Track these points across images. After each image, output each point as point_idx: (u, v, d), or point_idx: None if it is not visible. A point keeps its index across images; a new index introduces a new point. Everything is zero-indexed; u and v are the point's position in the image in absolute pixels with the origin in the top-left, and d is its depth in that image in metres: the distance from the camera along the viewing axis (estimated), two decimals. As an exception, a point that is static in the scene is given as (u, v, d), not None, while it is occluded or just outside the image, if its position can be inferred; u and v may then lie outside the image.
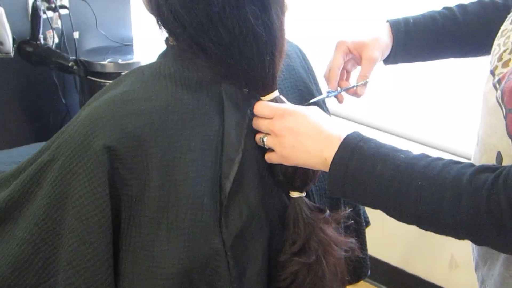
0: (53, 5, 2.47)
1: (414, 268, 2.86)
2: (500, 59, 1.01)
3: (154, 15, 0.97)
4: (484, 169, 0.85)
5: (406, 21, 1.31)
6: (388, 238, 2.78)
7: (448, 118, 2.53)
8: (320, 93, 1.20)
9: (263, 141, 1.00)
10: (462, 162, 0.88)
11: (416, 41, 1.30)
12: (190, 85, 0.96)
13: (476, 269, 1.19)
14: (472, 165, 0.87)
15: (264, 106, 0.99)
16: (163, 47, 1.04)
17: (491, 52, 1.06)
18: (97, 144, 0.88)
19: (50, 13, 2.52)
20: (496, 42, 1.06)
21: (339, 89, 1.23)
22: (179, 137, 0.92)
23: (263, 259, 1.01)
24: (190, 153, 0.93)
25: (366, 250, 1.27)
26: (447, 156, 0.91)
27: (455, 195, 0.84)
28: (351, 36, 1.26)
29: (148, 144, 0.90)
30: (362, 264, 1.25)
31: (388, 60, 1.31)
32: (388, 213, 0.93)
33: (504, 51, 1.01)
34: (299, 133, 0.97)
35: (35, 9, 2.40)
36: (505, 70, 0.98)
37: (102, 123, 0.90)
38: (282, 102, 1.01)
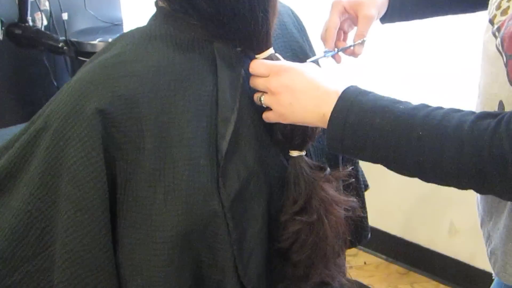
0: (40, -13, 2.46)
1: (414, 236, 2.87)
2: (498, 7, 1.00)
3: None
4: (485, 115, 0.84)
5: None
6: (387, 207, 2.79)
7: (449, 77, 2.51)
8: (314, 54, 1.19)
9: (260, 100, 0.99)
10: (462, 110, 0.87)
11: None
12: (182, 45, 0.95)
13: (481, 226, 1.18)
14: (473, 112, 0.86)
15: (259, 64, 0.98)
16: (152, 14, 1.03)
17: (489, 2, 1.05)
18: (89, 108, 0.86)
19: (37, -5, 2.50)
20: None
21: (336, 49, 1.21)
22: (172, 98, 0.91)
23: (263, 220, 1.00)
24: (185, 114, 0.91)
25: (366, 210, 1.27)
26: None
27: (457, 143, 0.83)
28: None
29: (141, 106, 0.89)
30: (363, 224, 1.24)
31: (385, 19, 1.29)
32: (389, 166, 0.92)
33: None
34: (295, 89, 0.96)
35: (22, -10, 2.38)
36: (503, 18, 0.97)
37: (93, 87, 0.88)
38: (278, 59, 1.00)
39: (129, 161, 0.89)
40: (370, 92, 0.93)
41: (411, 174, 0.91)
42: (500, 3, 0.99)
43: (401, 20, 1.32)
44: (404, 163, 0.90)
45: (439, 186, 0.91)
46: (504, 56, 0.94)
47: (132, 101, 0.88)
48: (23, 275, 0.91)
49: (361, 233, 1.26)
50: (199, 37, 0.96)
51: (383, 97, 0.92)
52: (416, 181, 0.92)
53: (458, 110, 0.87)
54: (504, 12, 0.97)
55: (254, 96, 1.00)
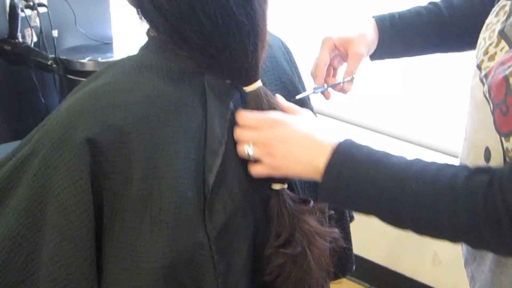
0: (31, 3, 2.45)
1: (398, 266, 2.88)
2: (486, 53, 1.01)
3: (134, 6, 0.96)
4: (478, 171, 0.85)
5: (391, 16, 1.31)
6: (372, 236, 2.79)
7: (437, 115, 2.53)
8: (303, 86, 1.19)
9: (248, 152, 0.98)
10: (455, 165, 0.88)
11: (402, 36, 1.30)
12: (173, 76, 0.95)
13: (465, 265, 1.19)
14: (466, 167, 0.87)
15: (250, 117, 0.98)
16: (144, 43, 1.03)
17: (477, 46, 1.06)
18: (78, 136, 0.86)
19: (28, 11, 2.49)
20: (481, 36, 1.06)
21: (325, 85, 1.22)
22: (161, 129, 0.91)
23: (248, 253, 1.00)
24: (173, 145, 0.91)
25: (351, 243, 1.27)
26: (436, 155, 0.91)
27: (451, 199, 0.84)
28: (337, 32, 1.26)
29: (130, 136, 0.89)
30: (347, 256, 1.24)
31: (374, 56, 1.31)
32: (384, 219, 0.92)
33: (490, 44, 1.01)
34: (289, 142, 0.96)
35: (13, 7, 2.37)
36: (491, 64, 0.98)
37: (83, 115, 0.88)
38: (266, 93, 1.00)
39: (117, 191, 0.89)
40: (363, 146, 0.94)
41: (405, 228, 0.91)
42: (487, 48, 1.01)
43: (390, 58, 1.33)
44: (399, 218, 0.90)
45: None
46: (491, 104, 0.95)
47: (121, 131, 0.88)
48: None
49: (345, 265, 1.26)
50: (189, 68, 0.96)
51: (377, 150, 0.93)
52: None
53: (451, 165, 0.88)
54: (492, 58, 0.99)
55: (238, 149, 0.99)
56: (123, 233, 0.89)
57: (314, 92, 1.18)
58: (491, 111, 0.95)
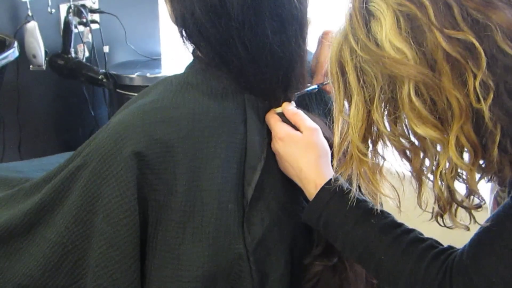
0: (84, 20, 2.52)
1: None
2: None
3: (178, 27, 1.01)
4: (439, 255, 0.89)
5: None
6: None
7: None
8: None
9: None
10: (426, 240, 0.92)
11: None
12: (216, 94, 0.99)
13: None
14: (431, 247, 0.91)
15: (269, 120, 1.03)
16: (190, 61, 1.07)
17: None
18: (127, 150, 0.91)
19: (81, 28, 2.57)
20: None
21: (316, 85, 1.16)
22: (205, 144, 0.95)
23: (285, 265, 1.03)
24: (216, 159, 0.95)
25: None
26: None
27: (411, 280, 0.89)
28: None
29: (176, 150, 0.93)
30: None
31: None
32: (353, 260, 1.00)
33: None
34: (284, 160, 1.02)
35: (67, 23, 2.45)
36: None
37: (131, 130, 0.92)
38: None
39: (161, 202, 0.93)
40: (346, 194, 0.96)
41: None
42: None
43: None
44: (366, 269, 0.98)
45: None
46: None
47: (168, 145, 0.92)
48: None
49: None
50: (231, 88, 1.00)
51: (359, 202, 0.95)
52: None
53: (422, 240, 0.92)
54: None
55: None
56: (166, 242, 0.94)
57: (314, 89, 1.13)
58: None
